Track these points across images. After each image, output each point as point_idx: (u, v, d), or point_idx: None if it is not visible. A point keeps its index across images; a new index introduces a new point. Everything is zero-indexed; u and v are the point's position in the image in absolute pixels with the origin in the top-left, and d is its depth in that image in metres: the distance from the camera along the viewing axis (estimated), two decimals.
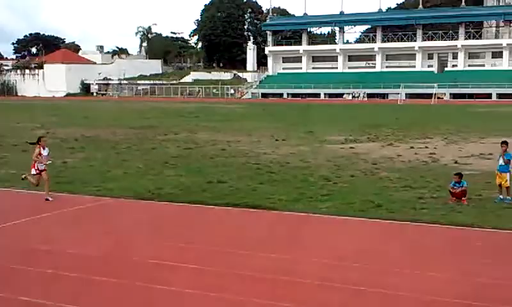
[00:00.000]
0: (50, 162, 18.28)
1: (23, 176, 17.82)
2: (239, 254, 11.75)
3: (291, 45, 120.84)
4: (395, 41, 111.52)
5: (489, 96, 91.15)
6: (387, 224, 14.31)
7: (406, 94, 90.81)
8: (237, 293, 9.48)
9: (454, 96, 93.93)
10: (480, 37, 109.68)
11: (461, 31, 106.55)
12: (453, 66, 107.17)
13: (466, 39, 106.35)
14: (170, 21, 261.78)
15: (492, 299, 9.19)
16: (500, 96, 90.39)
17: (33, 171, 17.05)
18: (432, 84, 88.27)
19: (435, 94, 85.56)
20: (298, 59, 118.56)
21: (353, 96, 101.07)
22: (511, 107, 65.33)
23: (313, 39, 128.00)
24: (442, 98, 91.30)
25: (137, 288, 9.64)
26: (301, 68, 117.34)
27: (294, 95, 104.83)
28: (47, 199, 16.70)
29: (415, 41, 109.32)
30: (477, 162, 24.35)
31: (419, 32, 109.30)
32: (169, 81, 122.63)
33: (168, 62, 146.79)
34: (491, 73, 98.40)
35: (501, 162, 17.05)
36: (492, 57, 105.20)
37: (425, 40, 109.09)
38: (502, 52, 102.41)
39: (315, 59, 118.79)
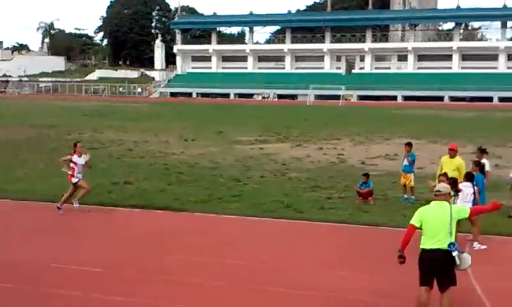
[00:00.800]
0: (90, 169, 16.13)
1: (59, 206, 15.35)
2: (146, 256, 11.34)
3: (201, 44, 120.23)
4: (304, 43, 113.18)
5: (394, 98, 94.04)
6: (296, 224, 14.27)
7: (314, 95, 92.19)
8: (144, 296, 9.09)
9: (361, 97, 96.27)
10: (386, 40, 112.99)
11: (368, 34, 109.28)
12: (360, 68, 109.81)
13: (373, 42, 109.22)
14: (74, 17, 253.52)
15: (397, 297, 9.23)
16: (405, 98, 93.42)
17: (74, 180, 15.27)
18: (340, 85, 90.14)
19: (343, 95, 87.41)
20: (208, 59, 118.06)
21: (263, 97, 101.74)
22: (416, 109, 67.64)
23: (223, 39, 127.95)
24: (350, 100, 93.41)
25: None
26: (210, 68, 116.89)
27: (203, 95, 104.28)
28: (59, 208, 15.16)
29: (324, 43, 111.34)
30: (383, 163, 24.88)
31: (327, 35, 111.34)
32: (73, 79, 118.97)
33: (72, 60, 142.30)
34: (397, 76, 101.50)
35: (405, 162, 17.44)
36: (398, 60, 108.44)
37: (333, 43, 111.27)
38: (407, 55, 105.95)
39: (225, 58, 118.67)
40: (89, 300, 9.24)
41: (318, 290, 9.67)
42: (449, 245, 7.90)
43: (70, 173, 15.30)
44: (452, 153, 14.75)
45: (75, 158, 15.38)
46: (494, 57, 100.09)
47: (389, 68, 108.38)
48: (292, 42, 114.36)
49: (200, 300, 9.29)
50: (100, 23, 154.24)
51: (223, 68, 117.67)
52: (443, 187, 8.52)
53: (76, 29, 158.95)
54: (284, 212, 15.48)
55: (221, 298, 9.40)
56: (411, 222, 8.16)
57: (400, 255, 8.20)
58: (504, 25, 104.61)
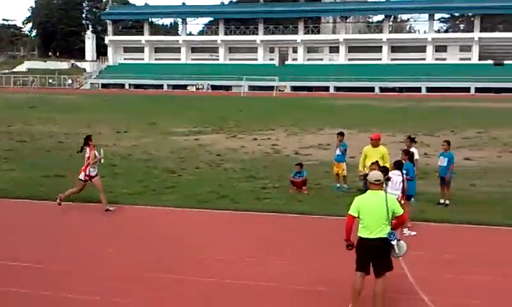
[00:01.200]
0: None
1: (58, 200, 14.60)
2: (69, 250, 11.15)
3: (133, 35, 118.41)
4: (237, 35, 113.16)
5: (327, 89, 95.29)
6: (232, 215, 14.31)
7: (248, 86, 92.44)
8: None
9: (295, 88, 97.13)
10: (318, 32, 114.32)
11: (301, 26, 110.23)
12: (293, 59, 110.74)
13: (305, 34, 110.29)
14: (1, 8, 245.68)
15: (334, 284, 9.39)
16: (337, 89, 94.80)
17: (82, 176, 14.37)
18: (274, 77, 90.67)
19: (276, 87, 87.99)
20: (140, 50, 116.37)
21: (197, 88, 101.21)
22: (348, 99, 68.74)
23: (156, 30, 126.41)
24: (283, 91, 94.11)
25: None
26: (143, 59, 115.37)
27: (136, 86, 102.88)
28: (107, 210, 14.28)
29: (257, 35, 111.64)
30: (316, 153, 25.22)
31: (261, 26, 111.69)
32: (1, 71, 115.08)
33: (0, 51, 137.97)
34: (329, 67, 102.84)
35: (338, 152, 17.73)
36: (330, 52, 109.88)
37: (266, 34, 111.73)
38: (338, 47, 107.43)
39: (157, 50, 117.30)
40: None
41: (255, 280, 9.72)
42: (389, 234, 8.09)
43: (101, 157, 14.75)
44: (375, 142, 15.01)
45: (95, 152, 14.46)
46: (422, 49, 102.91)
47: (321, 60, 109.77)
48: (226, 33, 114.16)
49: (130, 293, 9.20)
50: (28, 13, 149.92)
51: (156, 59, 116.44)
52: (380, 175, 8.62)
53: (4, 19, 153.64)
54: (219, 202, 15.49)
55: (150, 289, 9.33)
56: (350, 212, 8.28)
57: (347, 244, 8.35)
58: (431, 17, 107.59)
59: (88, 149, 14.40)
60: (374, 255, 8.17)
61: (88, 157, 14.31)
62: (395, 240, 8.12)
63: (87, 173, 14.29)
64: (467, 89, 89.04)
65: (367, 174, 9.94)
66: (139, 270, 10.11)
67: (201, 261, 10.73)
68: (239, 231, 13.02)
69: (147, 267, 10.32)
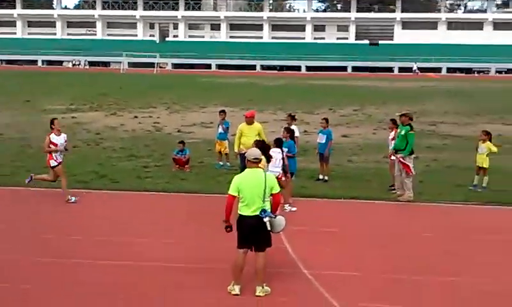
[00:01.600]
0: (67, 151, 13.76)
1: (27, 180, 13.39)
2: None
3: (4, 8, 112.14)
4: (116, 9, 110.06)
5: (209, 66, 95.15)
6: (113, 195, 13.95)
7: (128, 63, 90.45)
8: None
9: (176, 66, 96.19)
10: (199, 9, 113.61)
11: (181, 2, 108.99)
12: (174, 36, 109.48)
13: (186, 10, 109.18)
14: None
15: (221, 261, 9.37)
16: (219, 66, 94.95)
17: (53, 163, 12.95)
18: (155, 53, 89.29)
19: (157, 63, 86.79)
20: (12, 24, 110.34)
21: (74, 64, 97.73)
22: (230, 77, 69.01)
23: (29, 3, 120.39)
24: (164, 68, 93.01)
25: None
26: (15, 33, 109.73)
27: (8, 62, 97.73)
28: (68, 200, 12.92)
29: (136, 10, 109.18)
30: (199, 131, 25.13)
31: (140, 2, 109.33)
32: None
33: None
34: (211, 45, 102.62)
35: (220, 130, 17.73)
36: (211, 29, 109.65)
37: (146, 10, 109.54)
38: (220, 24, 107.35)
39: (31, 24, 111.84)
40: None
41: (138, 260, 9.54)
42: (261, 211, 8.18)
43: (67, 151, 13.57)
44: (250, 119, 15.03)
45: (53, 137, 13.10)
46: (301, 28, 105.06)
47: (203, 37, 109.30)
48: (104, 8, 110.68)
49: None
50: None
51: (29, 33, 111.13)
52: (258, 153, 8.63)
53: None
54: (99, 182, 15.07)
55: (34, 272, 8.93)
56: (230, 192, 8.27)
57: (226, 225, 8.35)
58: None
59: (48, 135, 13.19)
60: (254, 232, 8.25)
61: (50, 143, 13.09)
62: (267, 217, 8.18)
63: (55, 158, 13.11)
64: (344, 68, 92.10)
65: (245, 153, 9.91)
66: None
67: (78, 242, 10.39)
68: (121, 210, 12.71)
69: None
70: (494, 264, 9.78)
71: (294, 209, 12.69)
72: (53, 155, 13.08)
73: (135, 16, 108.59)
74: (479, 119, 29.65)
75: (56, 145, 13.05)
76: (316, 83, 60.32)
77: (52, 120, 13.48)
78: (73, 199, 13.06)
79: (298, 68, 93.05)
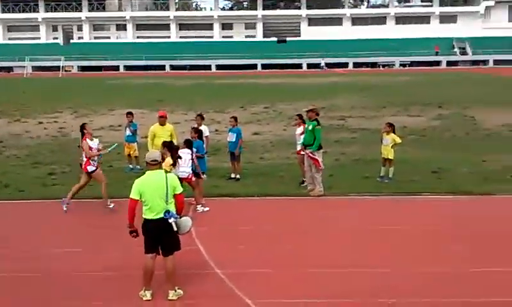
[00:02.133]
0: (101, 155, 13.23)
1: (64, 206, 12.69)
2: None
3: None
4: (16, 12, 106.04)
5: (117, 68, 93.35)
6: (18, 205, 13.43)
7: (32, 67, 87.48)
8: None
9: (83, 68, 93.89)
10: (104, 9, 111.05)
11: (85, 2, 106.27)
12: (79, 38, 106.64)
13: (90, 11, 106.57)
14: None
15: (121, 268, 9.18)
16: (127, 68, 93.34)
17: (90, 168, 12.43)
18: (59, 56, 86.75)
19: (63, 67, 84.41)
20: None
21: None
22: (138, 78, 67.92)
23: None
24: (70, 71, 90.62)
25: None
26: None
27: None
28: (107, 206, 12.64)
29: (38, 12, 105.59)
30: (108, 134, 24.54)
31: (41, 3, 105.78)
32: None
33: None
34: (117, 46, 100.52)
35: (128, 132, 17.43)
36: (117, 30, 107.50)
37: (48, 12, 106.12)
38: (126, 24, 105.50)
39: None
40: None
41: (52, 271, 9.21)
42: (165, 213, 8.07)
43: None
44: (162, 120, 14.92)
45: (89, 142, 12.79)
46: (209, 27, 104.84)
47: (109, 38, 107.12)
48: (4, 11, 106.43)
49: None
50: None
51: None
52: (158, 155, 8.52)
53: None
54: (3, 192, 14.48)
55: None
56: (131, 196, 8.13)
57: (131, 230, 8.19)
58: None
59: (84, 140, 12.91)
60: (159, 235, 8.14)
61: (89, 148, 12.78)
62: (172, 218, 8.08)
63: (93, 164, 12.80)
64: (254, 66, 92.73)
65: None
66: None
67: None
68: (29, 221, 12.23)
69: None
70: (392, 254, 10.06)
71: (206, 209, 12.62)
72: (90, 160, 12.74)
73: (37, 18, 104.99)
74: (385, 112, 30.53)
75: (91, 149, 12.77)
76: (226, 82, 60.40)
77: (83, 125, 13.30)
78: (111, 205, 12.75)
79: (208, 67, 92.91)
